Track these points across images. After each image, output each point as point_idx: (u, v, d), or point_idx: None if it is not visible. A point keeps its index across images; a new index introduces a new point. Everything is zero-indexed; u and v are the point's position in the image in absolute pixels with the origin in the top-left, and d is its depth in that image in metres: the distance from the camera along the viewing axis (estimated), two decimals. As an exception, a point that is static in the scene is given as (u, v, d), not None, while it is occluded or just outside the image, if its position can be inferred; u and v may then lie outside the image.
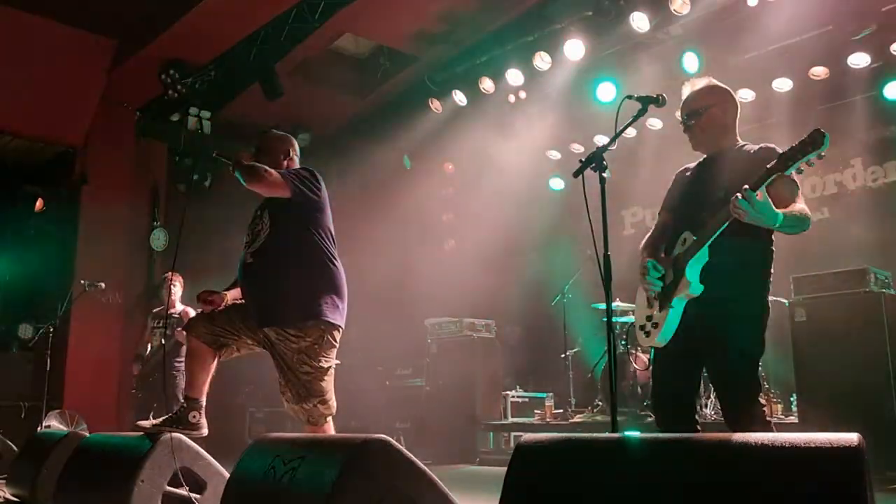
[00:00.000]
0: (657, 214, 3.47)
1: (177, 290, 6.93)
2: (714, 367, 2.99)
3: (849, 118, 7.28)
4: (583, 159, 3.09)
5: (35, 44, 7.76)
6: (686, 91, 3.29)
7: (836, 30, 6.78)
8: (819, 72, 7.16)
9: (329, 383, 3.66)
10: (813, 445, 1.39)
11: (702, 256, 2.94)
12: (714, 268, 2.94)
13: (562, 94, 8.29)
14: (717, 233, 2.89)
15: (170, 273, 6.98)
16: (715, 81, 3.30)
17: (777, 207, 2.80)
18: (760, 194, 2.73)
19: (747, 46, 7.02)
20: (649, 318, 3.12)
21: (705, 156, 3.29)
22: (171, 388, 6.71)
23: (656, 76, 7.26)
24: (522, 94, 8.48)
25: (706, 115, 3.19)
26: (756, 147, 3.12)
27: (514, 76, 8.19)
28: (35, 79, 7.89)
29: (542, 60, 7.85)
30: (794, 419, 5.85)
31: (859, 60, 6.95)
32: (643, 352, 7.27)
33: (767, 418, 2.91)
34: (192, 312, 6.78)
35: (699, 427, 3.08)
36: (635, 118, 3.22)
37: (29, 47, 7.75)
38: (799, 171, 2.84)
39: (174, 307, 6.89)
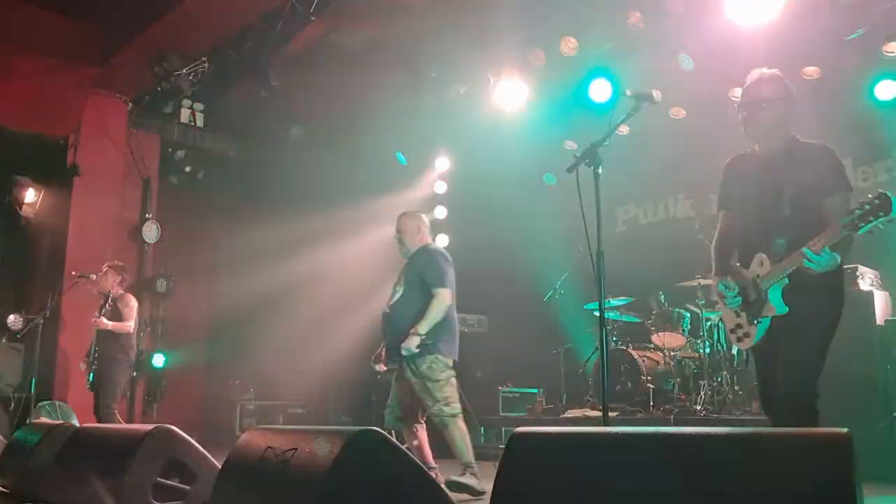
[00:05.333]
0: (717, 211, 3.46)
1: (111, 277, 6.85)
2: (787, 369, 3.04)
3: (839, 118, 7.31)
4: (577, 155, 3.10)
5: (28, 34, 7.72)
6: (753, 77, 3.26)
7: (828, 31, 6.80)
8: (811, 71, 7.18)
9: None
10: (803, 440, 1.41)
11: (782, 282, 3.03)
12: (795, 290, 3.02)
13: (557, 90, 8.29)
14: (791, 269, 2.97)
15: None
16: (780, 74, 3.28)
17: (830, 219, 2.90)
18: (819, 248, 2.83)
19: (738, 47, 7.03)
20: (739, 326, 3.21)
21: (759, 150, 3.27)
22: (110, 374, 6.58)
23: (652, 74, 7.27)
24: (520, 90, 8.48)
25: (771, 108, 3.17)
26: (813, 149, 3.14)
27: (510, 71, 8.18)
28: (27, 69, 7.85)
29: (537, 57, 7.85)
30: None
31: (851, 61, 6.98)
32: (639, 350, 7.30)
33: (817, 418, 2.94)
34: (131, 301, 6.72)
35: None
36: (630, 115, 3.24)
37: (21, 38, 7.70)
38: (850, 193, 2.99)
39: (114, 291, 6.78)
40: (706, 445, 1.49)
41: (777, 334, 3.07)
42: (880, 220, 2.68)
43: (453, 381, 4.81)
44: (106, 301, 6.67)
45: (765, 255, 3.10)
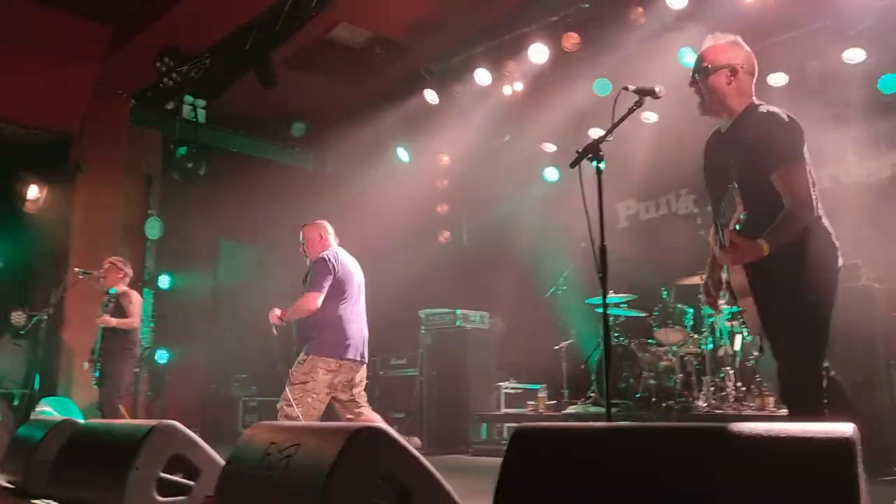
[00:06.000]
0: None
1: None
2: (782, 357, 2.94)
3: (843, 112, 7.29)
4: (580, 150, 3.10)
5: (30, 31, 7.72)
6: (705, 44, 3.16)
7: (832, 25, 6.78)
8: (814, 66, 7.16)
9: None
10: (808, 435, 1.41)
11: (736, 269, 2.95)
12: (759, 271, 2.90)
13: (558, 86, 8.28)
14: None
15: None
16: (737, 40, 3.14)
17: (784, 192, 2.83)
18: (739, 240, 2.76)
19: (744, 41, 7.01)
20: (739, 312, 3.18)
21: (720, 125, 3.18)
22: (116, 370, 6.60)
23: (653, 69, 7.25)
24: (518, 86, 8.48)
25: (712, 78, 3.07)
26: (762, 117, 3.00)
27: (509, 67, 8.18)
28: (30, 66, 7.86)
29: (537, 52, 7.84)
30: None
31: (854, 56, 6.95)
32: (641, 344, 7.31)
33: (824, 408, 2.82)
34: (134, 297, 6.73)
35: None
36: (632, 110, 3.23)
37: (24, 34, 7.71)
38: (799, 158, 2.88)
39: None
40: (711, 441, 1.49)
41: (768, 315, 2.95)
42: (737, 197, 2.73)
43: (308, 387, 4.90)
44: (109, 298, 6.68)
45: (717, 234, 3.02)
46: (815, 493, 1.35)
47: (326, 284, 5.04)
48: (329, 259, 5.13)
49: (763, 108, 3.03)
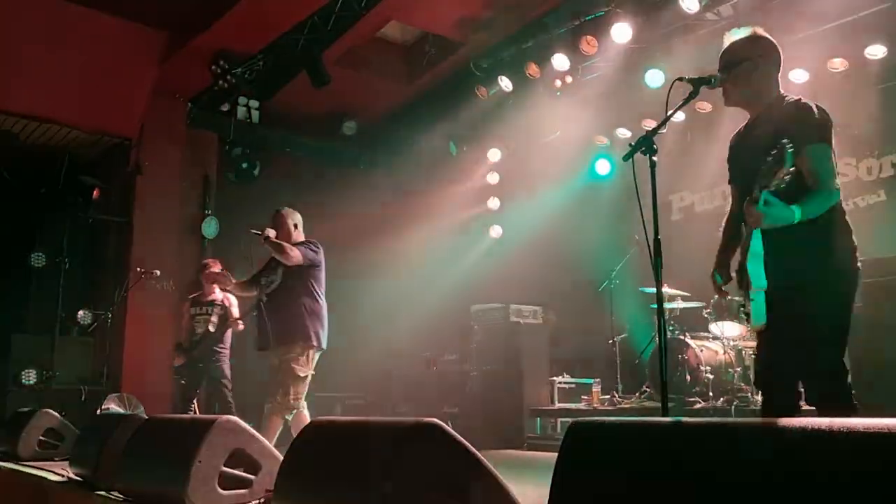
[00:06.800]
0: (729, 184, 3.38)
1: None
2: (799, 350, 2.90)
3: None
4: (632, 143, 3.07)
5: (89, 37, 7.95)
6: (725, 41, 3.17)
7: (893, 6, 6.57)
8: (875, 51, 6.95)
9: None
10: (873, 431, 1.37)
11: (756, 249, 2.87)
12: (775, 258, 2.86)
13: (609, 79, 8.20)
14: (756, 233, 2.83)
15: (209, 260, 7.13)
16: (759, 31, 3.14)
17: (809, 182, 2.81)
18: (774, 201, 2.70)
19: (801, 26, 6.84)
20: (742, 306, 3.10)
21: (749, 119, 3.20)
22: (217, 374, 6.87)
23: (706, 59, 7.12)
24: (569, 79, 8.41)
25: (740, 69, 3.07)
26: (790, 103, 3.01)
27: (560, 61, 8.13)
28: (90, 72, 8.09)
29: (588, 45, 7.77)
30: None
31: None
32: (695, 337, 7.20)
33: (854, 401, 2.84)
34: (233, 299, 6.92)
35: (801, 408, 2.99)
36: (686, 101, 3.18)
37: (83, 41, 7.95)
38: (828, 144, 2.85)
39: (213, 294, 7.01)
40: (776, 437, 1.46)
41: (783, 317, 2.87)
42: (780, 178, 2.61)
43: (308, 379, 5.13)
44: (214, 305, 6.95)
45: (743, 224, 2.94)
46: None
47: (311, 260, 5.14)
48: (319, 246, 5.28)
49: (791, 98, 3.06)
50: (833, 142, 2.94)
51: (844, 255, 2.91)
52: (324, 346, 5.21)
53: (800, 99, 3.00)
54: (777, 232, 2.82)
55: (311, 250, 5.21)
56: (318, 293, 5.22)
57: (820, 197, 2.83)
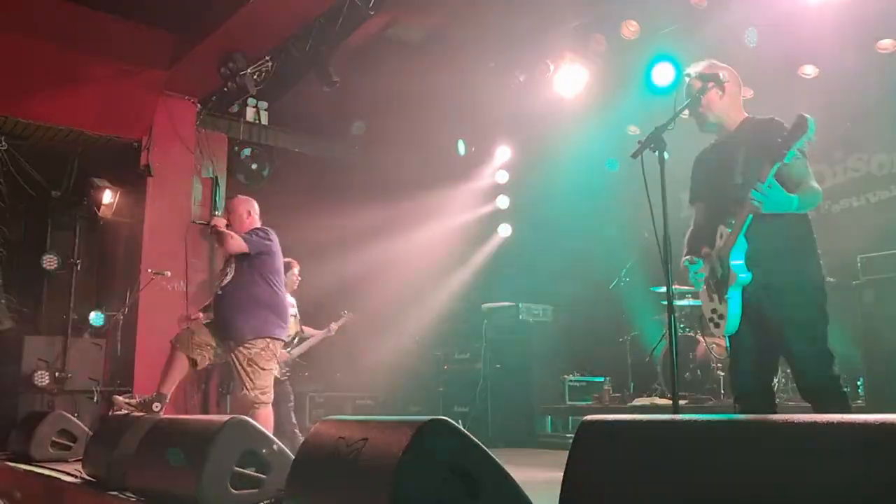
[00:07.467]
0: (690, 205, 3.53)
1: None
2: (783, 348, 3.05)
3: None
4: (641, 140, 3.08)
5: (99, 41, 8.00)
6: (685, 77, 3.37)
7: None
8: (886, 44, 6.90)
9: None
10: (888, 424, 1.37)
11: (740, 246, 3.03)
12: (759, 253, 3.02)
13: (618, 76, 8.17)
14: (746, 224, 2.99)
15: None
16: (713, 62, 3.36)
17: (791, 187, 2.97)
18: (772, 184, 2.90)
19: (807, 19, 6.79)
20: (714, 310, 3.18)
21: (717, 139, 3.38)
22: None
23: (715, 54, 7.09)
24: (580, 76, 8.39)
25: (705, 98, 3.25)
26: (761, 122, 3.20)
27: (569, 58, 8.10)
28: (100, 75, 8.14)
29: (597, 42, 7.75)
30: (861, 403, 5.71)
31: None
32: (706, 335, 7.17)
33: (843, 390, 2.97)
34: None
35: (777, 410, 3.18)
36: (695, 97, 3.18)
37: (93, 45, 7.99)
38: (803, 154, 3.01)
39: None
40: (787, 433, 1.45)
41: (758, 318, 3.03)
42: (802, 139, 2.83)
43: (273, 372, 5.04)
44: None
45: (723, 227, 3.12)
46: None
47: (258, 248, 4.97)
48: (270, 233, 5.12)
49: (760, 117, 3.28)
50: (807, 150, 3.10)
51: (817, 254, 3.11)
52: (284, 337, 5.08)
53: (773, 118, 3.18)
54: (765, 232, 3.01)
55: (258, 236, 5.02)
56: (273, 283, 5.01)
57: (811, 191, 3.03)
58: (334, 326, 7.37)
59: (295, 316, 7.17)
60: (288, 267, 7.20)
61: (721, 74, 3.26)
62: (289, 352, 7.01)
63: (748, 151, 3.10)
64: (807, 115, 2.81)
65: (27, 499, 5.00)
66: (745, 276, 3.01)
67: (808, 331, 2.94)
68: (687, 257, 3.30)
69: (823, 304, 3.00)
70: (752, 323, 3.05)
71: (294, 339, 7.12)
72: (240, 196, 5.38)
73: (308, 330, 7.34)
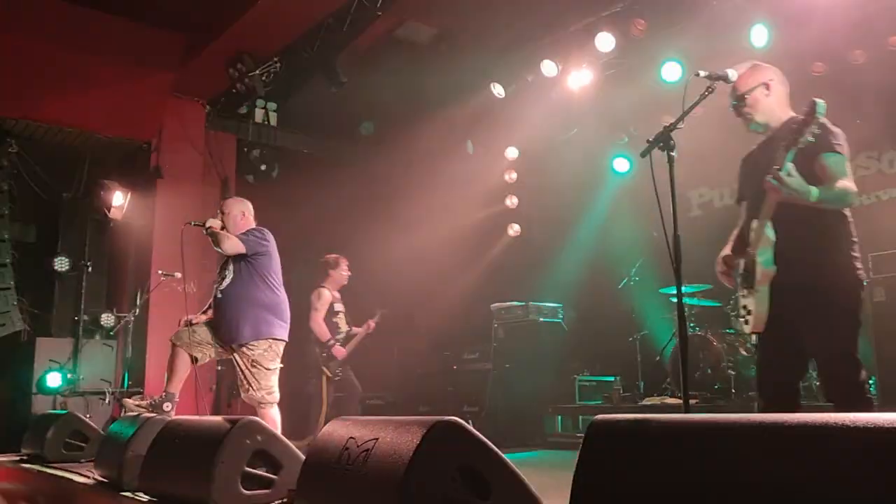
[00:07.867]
0: (737, 205, 3.52)
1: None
2: (812, 348, 3.00)
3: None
4: (650, 139, 3.07)
5: (108, 43, 8.03)
6: (731, 78, 3.34)
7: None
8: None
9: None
10: (897, 425, 1.36)
11: (767, 239, 2.99)
12: (784, 243, 2.98)
13: (626, 75, 8.15)
14: (770, 213, 2.96)
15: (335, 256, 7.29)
16: (758, 63, 3.36)
17: (822, 183, 2.92)
18: (790, 171, 2.88)
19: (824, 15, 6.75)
20: (744, 307, 3.16)
21: (762, 139, 3.35)
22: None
23: (723, 54, 7.06)
24: (586, 76, 8.38)
25: (751, 97, 3.25)
26: (799, 119, 3.14)
27: (576, 58, 8.10)
28: (110, 77, 8.18)
29: (604, 41, 7.73)
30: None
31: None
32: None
33: (868, 395, 2.92)
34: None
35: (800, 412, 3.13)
36: (704, 96, 3.18)
37: (102, 47, 8.03)
38: (843, 153, 3.02)
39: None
40: (802, 434, 1.44)
41: (788, 316, 2.99)
42: (813, 125, 2.84)
43: (277, 371, 5.10)
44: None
45: (755, 220, 3.10)
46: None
47: (255, 248, 4.98)
48: (266, 233, 5.11)
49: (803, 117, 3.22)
50: (848, 154, 3.08)
51: (851, 251, 3.04)
52: (286, 337, 5.06)
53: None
54: (795, 227, 2.95)
55: (254, 237, 5.03)
56: (272, 283, 5.03)
57: (839, 189, 2.95)
58: (372, 324, 7.52)
59: (343, 312, 7.28)
60: (337, 263, 7.29)
61: (767, 77, 3.28)
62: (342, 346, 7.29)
63: (786, 147, 3.07)
64: (816, 99, 2.84)
65: (40, 500, 5.03)
66: (770, 269, 2.98)
67: (835, 334, 2.89)
68: (723, 255, 3.32)
69: (854, 308, 2.93)
70: (779, 323, 3.01)
71: (343, 335, 7.36)
72: (234, 197, 5.41)
73: (354, 328, 7.47)
